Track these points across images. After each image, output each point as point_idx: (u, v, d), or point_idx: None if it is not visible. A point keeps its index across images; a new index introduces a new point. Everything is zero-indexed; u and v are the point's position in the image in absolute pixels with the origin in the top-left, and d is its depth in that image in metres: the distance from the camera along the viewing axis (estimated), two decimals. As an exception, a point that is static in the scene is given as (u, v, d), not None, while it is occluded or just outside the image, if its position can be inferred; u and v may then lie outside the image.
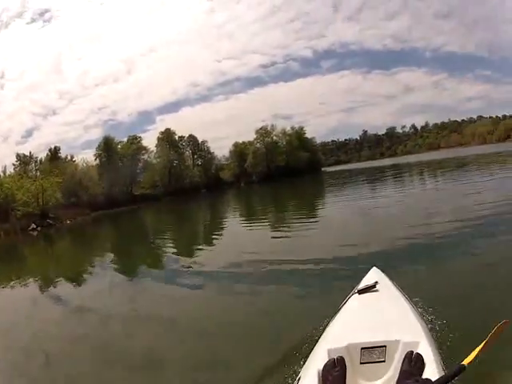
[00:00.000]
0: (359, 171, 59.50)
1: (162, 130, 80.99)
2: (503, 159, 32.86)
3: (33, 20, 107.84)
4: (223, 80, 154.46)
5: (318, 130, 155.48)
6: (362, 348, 2.78)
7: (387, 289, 3.82)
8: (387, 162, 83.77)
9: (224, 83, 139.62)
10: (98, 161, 71.38)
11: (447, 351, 3.40)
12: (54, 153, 70.53)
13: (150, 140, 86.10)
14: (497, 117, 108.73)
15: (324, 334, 3.31)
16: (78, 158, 72.25)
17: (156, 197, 67.18)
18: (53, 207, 46.17)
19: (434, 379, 2.33)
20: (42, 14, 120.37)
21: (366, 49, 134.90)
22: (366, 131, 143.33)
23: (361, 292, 3.77)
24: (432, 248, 8.14)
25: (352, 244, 9.71)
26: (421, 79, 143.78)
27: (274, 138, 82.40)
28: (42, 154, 70.94)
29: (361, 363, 2.75)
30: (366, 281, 4.02)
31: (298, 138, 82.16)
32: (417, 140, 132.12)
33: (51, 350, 5.99)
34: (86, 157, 72.65)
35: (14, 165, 66.22)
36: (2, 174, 56.25)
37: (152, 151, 77.80)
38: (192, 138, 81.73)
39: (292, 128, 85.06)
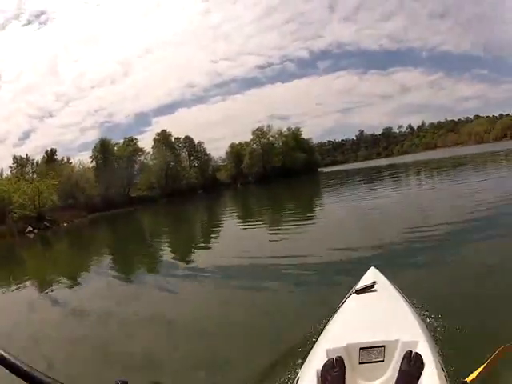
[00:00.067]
0: (356, 171, 59.59)
1: (159, 131, 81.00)
2: (500, 158, 32.96)
3: (29, 22, 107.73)
4: (219, 81, 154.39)
5: (314, 131, 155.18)
6: (361, 348, 2.78)
7: (385, 289, 3.82)
8: (384, 162, 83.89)
9: (220, 84, 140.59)
10: (94, 163, 71.28)
11: (446, 351, 3.41)
12: (51, 155, 70.41)
13: (146, 142, 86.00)
14: (493, 116, 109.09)
15: (322, 334, 3.30)
16: (74, 160, 72.27)
17: (153, 198, 67.03)
18: (49, 209, 46.08)
19: (433, 379, 2.33)
20: (38, 16, 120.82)
21: (362, 49, 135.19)
22: (363, 131, 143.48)
23: (359, 292, 3.76)
24: (430, 248, 8.17)
25: (349, 244, 9.72)
26: (417, 79, 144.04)
27: (271, 138, 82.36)
28: (38, 157, 70.83)
29: (360, 363, 2.74)
30: (364, 281, 4.02)
31: (294, 139, 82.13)
32: (413, 140, 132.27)
33: (50, 351, 5.97)
34: (83, 159, 72.62)
35: (10, 167, 66.10)
36: (-1, 177, 56.25)
37: (148, 153, 77.78)
38: (188, 139, 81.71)
39: (288, 129, 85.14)
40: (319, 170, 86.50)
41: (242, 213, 28.58)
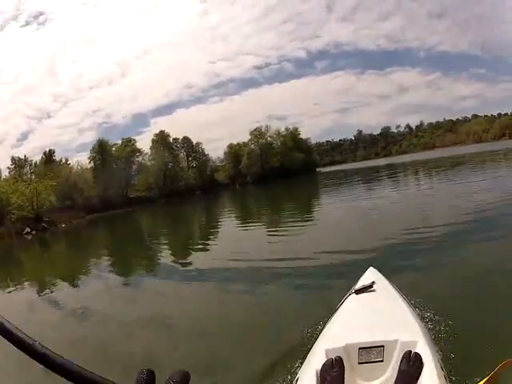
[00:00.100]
0: (354, 171, 59.60)
1: (157, 132, 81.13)
2: (499, 158, 33.00)
3: (27, 23, 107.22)
4: (217, 81, 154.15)
5: (312, 131, 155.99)
6: (360, 348, 2.77)
7: (384, 289, 3.82)
8: (382, 161, 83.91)
9: (218, 85, 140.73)
10: (92, 163, 71.41)
11: (445, 350, 3.40)
12: (49, 156, 70.47)
13: (144, 142, 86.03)
14: (492, 115, 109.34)
15: (322, 334, 3.30)
16: (72, 161, 72.45)
17: (151, 199, 67.04)
18: (47, 210, 46.09)
19: (432, 378, 2.33)
20: (36, 17, 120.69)
21: (359, 49, 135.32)
22: (361, 131, 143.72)
23: (358, 292, 3.76)
24: (429, 248, 8.17)
25: (348, 244, 9.73)
26: (415, 79, 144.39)
27: (269, 138, 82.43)
28: (36, 157, 71.00)
29: (359, 363, 2.74)
30: (363, 281, 4.01)
31: (292, 139, 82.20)
32: (412, 140, 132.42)
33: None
34: (81, 160, 72.87)
35: (9, 168, 66.19)
36: (-3, 178, 56.24)
37: (146, 153, 77.89)
38: (186, 139, 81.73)
39: (286, 129, 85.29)
40: (317, 170, 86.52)
41: (240, 213, 28.56)
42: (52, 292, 11.01)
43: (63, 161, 71.90)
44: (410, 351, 2.56)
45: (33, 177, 59.99)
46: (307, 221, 16.16)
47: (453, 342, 3.78)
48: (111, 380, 0.61)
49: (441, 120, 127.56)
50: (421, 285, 5.76)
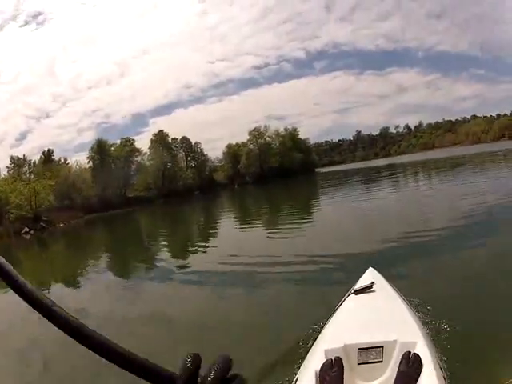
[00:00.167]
0: (353, 172, 59.58)
1: (156, 132, 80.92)
2: (499, 159, 33.00)
3: (26, 23, 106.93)
4: (216, 81, 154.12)
5: (311, 131, 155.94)
6: (359, 348, 2.77)
7: (384, 289, 3.82)
8: (381, 162, 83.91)
9: (217, 85, 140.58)
10: (91, 163, 71.17)
11: (444, 351, 3.40)
12: (48, 155, 70.39)
13: (143, 142, 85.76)
14: (491, 116, 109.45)
15: (321, 334, 3.30)
16: (71, 161, 72.29)
17: (150, 199, 66.88)
18: (46, 210, 45.98)
19: (431, 379, 2.33)
20: (35, 17, 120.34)
21: (358, 49, 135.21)
22: (360, 132, 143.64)
23: (357, 292, 3.76)
24: (428, 249, 8.18)
25: (348, 245, 9.74)
26: (414, 79, 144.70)
27: (268, 139, 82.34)
28: (35, 157, 70.82)
29: (358, 364, 2.74)
30: (362, 281, 4.01)
31: (291, 139, 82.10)
32: (411, 140, 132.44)
33: (48, 352, 5.96)
34: (80, 159, 72.64)
35: (7, 167, 66.05)
36: (-4, 177, 56.17)
37: (145, 153, 77.69)
38: (185, 139, 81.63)
39: (285, 129, 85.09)
40: (316, 170, 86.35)
41: (239, 214, 28.55)
42: (50, 292, 10.99)
43: (62, 160, 71.86)
44: (410, 352, 2.56)
45: (31, 176, 59.90)
46: (306, 221, 16.15)
47: (452, 343, 3.78)
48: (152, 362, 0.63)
49: (440, 120, 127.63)
50: (420, 285, 5.76)
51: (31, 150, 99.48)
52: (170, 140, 79.98)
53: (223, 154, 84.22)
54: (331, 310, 3.76)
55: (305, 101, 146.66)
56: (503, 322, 4.18)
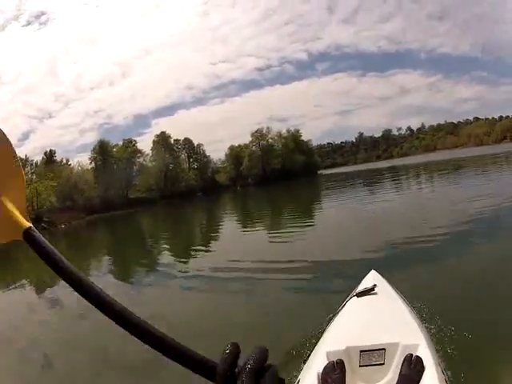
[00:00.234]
0: (355, 174, 59.52)
1: (158, 133, 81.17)
2: (501, 161, 32.94)
3: (29, 22, 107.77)
4: (218, 83, 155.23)
5: (313, 133, 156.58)
6: (361, 351, 2.77)
7: (386, 292, 3.81)
8: (383, 164, 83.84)
9: (219, 86, 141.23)
10: (93, 164, 71.41)
11: (446, 354, 3.40)
12: (50, 156, 70.58)
13: (145, 143, 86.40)
14: (493, 118, 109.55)
15: (323, 336, 3.30)
16: (73, 162, 72.52)
17: (152, 200, 66.96)
18: (47, 211, 46.06)
19: (433, 382, 2.33)
20: (38, 17, 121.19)
21: (360, 51, 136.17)
22: (362, 133, 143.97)
23: (359, 295, 3.75)
24: (431, 251, 8.15)
25: (350, 247, 9.73)
26: (416, 81, 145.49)
27: (270, 140, 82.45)
28: (37, 157, 71.02)
29: (360, 366, 2.73)
30: (364, 284, 4.00)
31: (293, 141, 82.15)
32: (413, 142, 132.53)
33: (50, 352, 5.97)
34: (82, 160, 72.86)
35: (9, 168, 66.07)
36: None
37: (147, 154, 77.96)
38: (187, 141, 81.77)
39: (288, 131, 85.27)
40: (319, 172, 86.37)
41: (241, 216, 28.53)
42: (52, 292, 10.98)
43: (64, 161, 72.17)
44: (411, 354, 2.56)
45: (33, 177, 59.96)
46: (308, 223, 16.15)
47: (454, 346, 3.78)
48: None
49: (442, 122, 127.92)
50: (422, 288, 5.74)
51: (33, 151, 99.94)
52: (172, 141, 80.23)
53: (225, 155, 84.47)
54: (333, 313, 3.76)
55: (307, 102, 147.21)
56: (506, 325, 4.17)
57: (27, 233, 0.85)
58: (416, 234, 9.85)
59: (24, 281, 13.34)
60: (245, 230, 18.91)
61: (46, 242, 0.84)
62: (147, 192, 72.84)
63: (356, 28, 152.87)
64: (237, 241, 15.21)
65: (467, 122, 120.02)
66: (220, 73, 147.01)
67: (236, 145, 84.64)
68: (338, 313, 3.65)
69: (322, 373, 2.59)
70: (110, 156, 72.31)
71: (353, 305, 3.67)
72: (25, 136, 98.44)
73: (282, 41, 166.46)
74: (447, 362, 3.06)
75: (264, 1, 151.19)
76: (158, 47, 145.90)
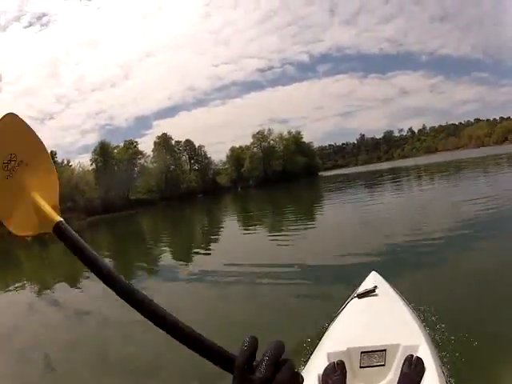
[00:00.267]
0: (357, 176, 59.43)
1: (159, 134, 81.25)
2: (502, 162, 32.91)
3: (30, 24, 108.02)
4: (220, 84, 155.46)
5: (314, 134, 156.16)
6: (362, 352, 2.77)
7: (386, 293, 3.81)
8: (385, 166, 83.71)
9: (221, 88, 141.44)
10: (94, 165, 71.39)
11: (447, 355, 3.40)
12: (51, 157, 70.56)
13: (146, 145, 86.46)
14: (494, 119, 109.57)
15: (323, 337, 3.29)
16: (74, 163, 72.54)
17: (153, 202, 67.04)
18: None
19: (434, 383, 2.33)
20: (39, 18, 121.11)
21: (362, 53, 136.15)
22: (364, 135, 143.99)
23: (360, 296, 3.75)
24: (431, 253, 8.14)
25: (350, 248, 9.70)
26: (417, 82, 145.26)
27: (271, 142, 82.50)
28: (38, 159, 70.87)
29: (361, 367, 2.73)
30: (365, 285, 4.00)
31: (295, 143, 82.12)
32: (414, 143, 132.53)
33: (50, 353, 5.97)
34: (83, 161, 72.89)
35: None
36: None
37: (149, 156, 78.00)
38: (189, 142, 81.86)
39: (289, 132, 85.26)
40: (320, 174, 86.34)
41: (242, 217, 28.49)
42: (53, 292, 10.99)
43: (65, 162, 72.10)
44: (412, 355, 2.56)
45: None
46: (309, 225, 16.15)
47: (455, 347, 3.78)
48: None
49: (443, 124, 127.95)
50: (423, 289, 5.74)
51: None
52: (173, 143, 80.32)
53: (227, 157, 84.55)
54: (334, 314, 3.76)
55: (308, 104, 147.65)
56: (506, 325, 4.17)
57: (57, 227, 0.88)
58: (417, 235, 9.85)
59: (24, 281, 13.34)
60: (246, 231, 18.91)
61: (77, 235, 0.86)
62: (148, 193, 72.89)
63: (357, 30, 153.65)
64: (237, 242, 15.21)
65: (468, 124, 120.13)
66: (221, 74, 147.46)
67: (237, 146, 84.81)
68: (338, 314, 3.65)
69: (323, 374, 2.59)
70: (111, 157, 72.35)
71: (354, 306, 3.67)
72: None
73: (283, 42, 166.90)
74: (448, 362, 3.06)
75: (265, 2, 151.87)
76: (159, 49, 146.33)
